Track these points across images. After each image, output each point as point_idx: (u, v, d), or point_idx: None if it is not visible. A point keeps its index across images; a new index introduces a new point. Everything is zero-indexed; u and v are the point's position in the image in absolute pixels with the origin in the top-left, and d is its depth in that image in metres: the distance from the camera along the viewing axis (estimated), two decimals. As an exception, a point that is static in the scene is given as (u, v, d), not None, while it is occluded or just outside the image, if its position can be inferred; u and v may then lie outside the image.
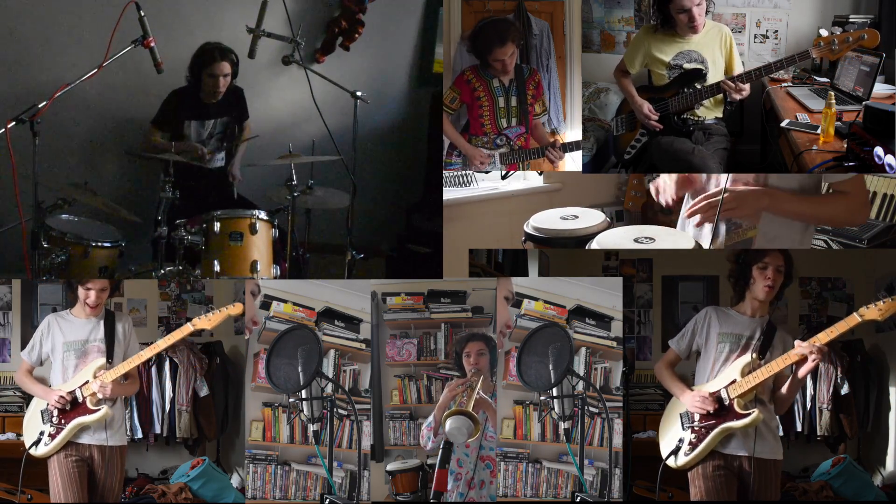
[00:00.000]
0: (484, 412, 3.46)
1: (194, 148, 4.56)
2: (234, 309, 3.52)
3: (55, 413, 3.46)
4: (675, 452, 3.32)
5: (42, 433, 3.47)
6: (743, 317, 3.37)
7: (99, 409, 3.43)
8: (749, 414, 3.22)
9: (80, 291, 3.55)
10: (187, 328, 3.51)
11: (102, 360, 3.49)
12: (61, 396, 3.44)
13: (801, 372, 3.21)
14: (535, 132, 4.23)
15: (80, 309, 3.57)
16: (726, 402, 3.26)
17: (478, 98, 4.14)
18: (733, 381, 3.27)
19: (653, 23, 4.06)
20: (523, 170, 4.45)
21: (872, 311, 3.15)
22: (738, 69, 3.97)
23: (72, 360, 3.52)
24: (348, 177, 4.32)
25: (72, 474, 3.43)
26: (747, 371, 3.25)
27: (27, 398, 3.66)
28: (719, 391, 3.28)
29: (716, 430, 3.25)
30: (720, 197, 3.09)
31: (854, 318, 3.16)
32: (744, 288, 3.36)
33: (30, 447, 3.47)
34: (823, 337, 3.17)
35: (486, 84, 4.14)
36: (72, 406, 3.45)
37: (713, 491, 3.25)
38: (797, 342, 3.21)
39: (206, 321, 3.51)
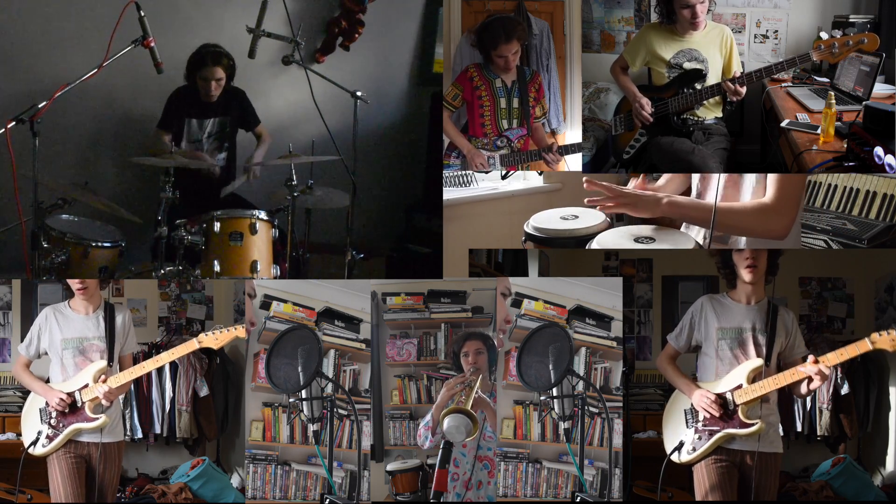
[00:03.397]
0: (482, 411, 3.46)
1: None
2: (242, 332, 3.49)
3: (54, 414, 3.46)
4: (678, 449, 3.33)
5: (40, 433, 3.46)
6: (738, 305, 3.34)
7: (98, 419, 3.43)
8: (752, 425, 3.21)
9: (70, 283, 3.54)
10: (193, 344, 3.46)
11: (103, 364, 3.47)
12: (62, 399, 3.43)
13: (803, 391, 3.20)
14: (534, 134, 4.23)
15: (78, 302, 3.55)
16: (731, 407, 3.25)
17: (479, 97, 4.14)
18: (739, 386, 3.25)
19: (656, 15, 4.06)
20: (523, 171, 4.45)
21: (885, 340, 3.04)
22: (735, 70, 3.97)
23: (70, 357, 3.50)
24: (348, 177, 4.31)
25: (71, 470, 3.43)
26: (753, 377, 3.24)
27: (27, 397, 3.64)
28: (725, 394, 3.27)
29: (718, 435, 3.25)
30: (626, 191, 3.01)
31: (865, 345, 3.07)
32: (732, 275, 3.33)
33: (28, 447, 3.46)
34: (833, 359, 3.11)
35: (489, 84, 4.13)
36: (71, 409, 3.44)
37: (716, 480, 3.25)
38: (800, 368, 3.16)
39: (212, 340, 3.46)
